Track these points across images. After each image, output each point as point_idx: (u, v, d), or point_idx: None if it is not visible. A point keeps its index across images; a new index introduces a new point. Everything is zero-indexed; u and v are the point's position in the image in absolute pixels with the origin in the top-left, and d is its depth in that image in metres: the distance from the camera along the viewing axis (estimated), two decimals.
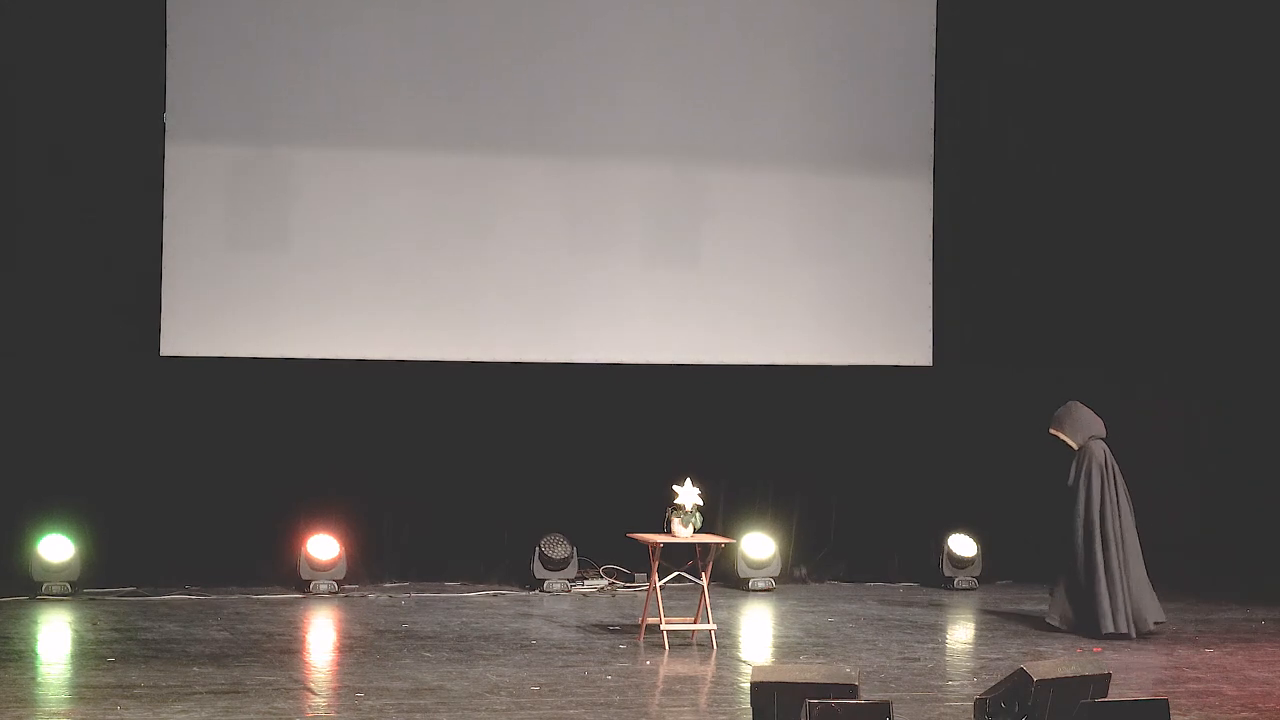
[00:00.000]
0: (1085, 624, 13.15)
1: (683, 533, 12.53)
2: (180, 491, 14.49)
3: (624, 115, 15.26)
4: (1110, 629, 13.05)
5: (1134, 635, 13.08)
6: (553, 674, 11.35)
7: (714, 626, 12.65)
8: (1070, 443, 13.43)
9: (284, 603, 14.19)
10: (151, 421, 14.50)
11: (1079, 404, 13.59)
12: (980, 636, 13.57)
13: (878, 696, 9.81)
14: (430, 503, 15.07)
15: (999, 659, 12.07)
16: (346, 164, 14.76)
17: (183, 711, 10.03)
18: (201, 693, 10.53)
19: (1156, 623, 13.28)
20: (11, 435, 14.19)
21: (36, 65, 14.18)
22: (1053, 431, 13.53)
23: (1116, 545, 13.19)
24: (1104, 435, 13.46)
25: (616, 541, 13.77)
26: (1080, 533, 13.21)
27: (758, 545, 15.44)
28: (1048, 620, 13.42)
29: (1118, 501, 13.29)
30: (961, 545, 15.67)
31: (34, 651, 12.16)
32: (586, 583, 15.20)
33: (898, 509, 15.85)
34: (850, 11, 15.70)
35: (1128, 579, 13.18)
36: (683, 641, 12.65)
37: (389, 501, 14.99)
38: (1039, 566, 14.46)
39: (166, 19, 14.37)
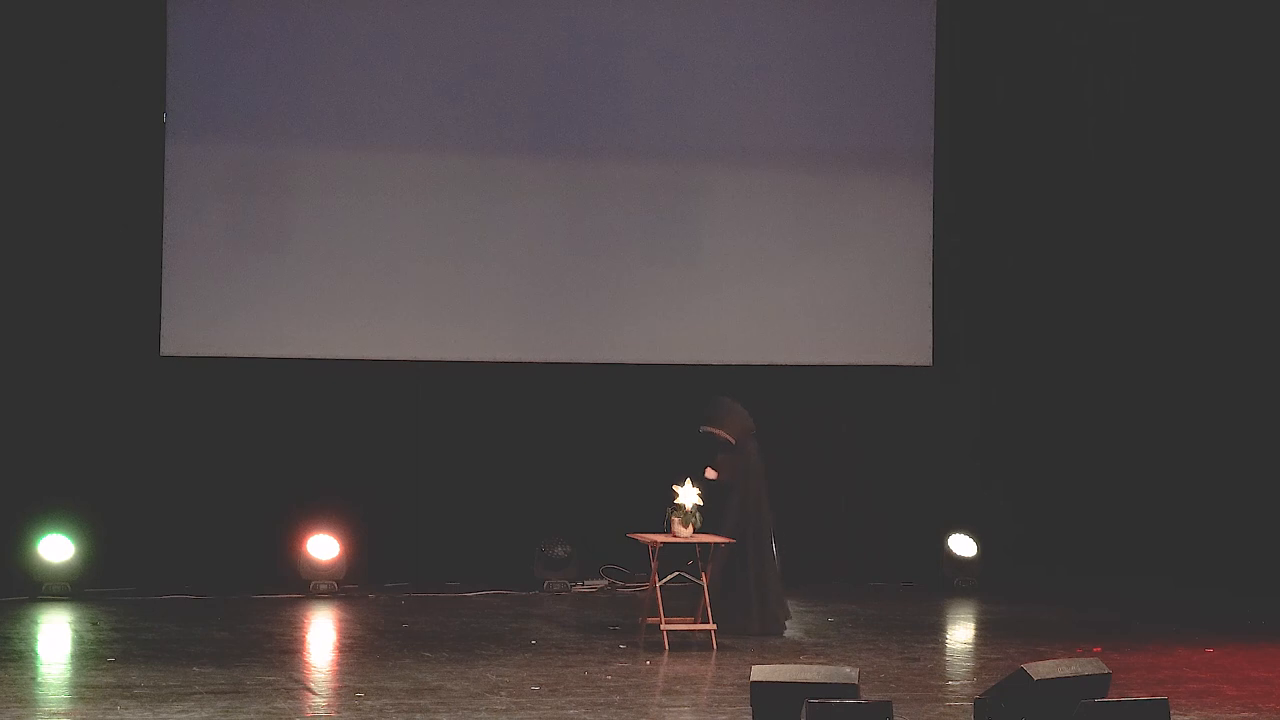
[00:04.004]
0: (736, 619, 12.92)
1: (683, 533, 12.53)
2: (180, 491, 14.49)
3: (624, 115, 15.25)
4: (758, 628, 12.92)
5: (780, 633, 12.98)
6: (553, 674, 11.35)
7: (714, 626, 12.64)
8: (730, 439, 13.22)
9: (284, 603, 14.19)
10: (151, 422, 14.51)
11: (733, 400, 13.34)
12: (980, 636, 13.56)
13: (878, 696, 9.81)
14: (430, 502, 15.07)
15: (999, 659, 12.06)
16: (346, 164, 14.76)
17: (183, 711, 10.02)
18: (201, 693, 10.53)
19: (787, 620, 13.17)
20: (11, 435, 14.19)
21: (37, 65, 14.18)
22: (708, 429, 13.21)
23: (766, 542, 13.11)
24: (754, 432, 13.27)
25: (616, 541, 13.76)
26: (734, 530, 12.96)
27: None
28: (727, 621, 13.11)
29: (767, 498, 13.17)
30: (961, 545, 15.65)
31: (34, 651, 12.16)
32: (586, 582, 15.20)
33: (898, 509, 15.84)
34: (851, 11, 15.69)
35: (770, 575, 13.09)
36: (683, 641, 12.64)
37: (389, 501, 14.98)
38: (1038, 568, 14.45)
39: (166, 19, 14.38)
